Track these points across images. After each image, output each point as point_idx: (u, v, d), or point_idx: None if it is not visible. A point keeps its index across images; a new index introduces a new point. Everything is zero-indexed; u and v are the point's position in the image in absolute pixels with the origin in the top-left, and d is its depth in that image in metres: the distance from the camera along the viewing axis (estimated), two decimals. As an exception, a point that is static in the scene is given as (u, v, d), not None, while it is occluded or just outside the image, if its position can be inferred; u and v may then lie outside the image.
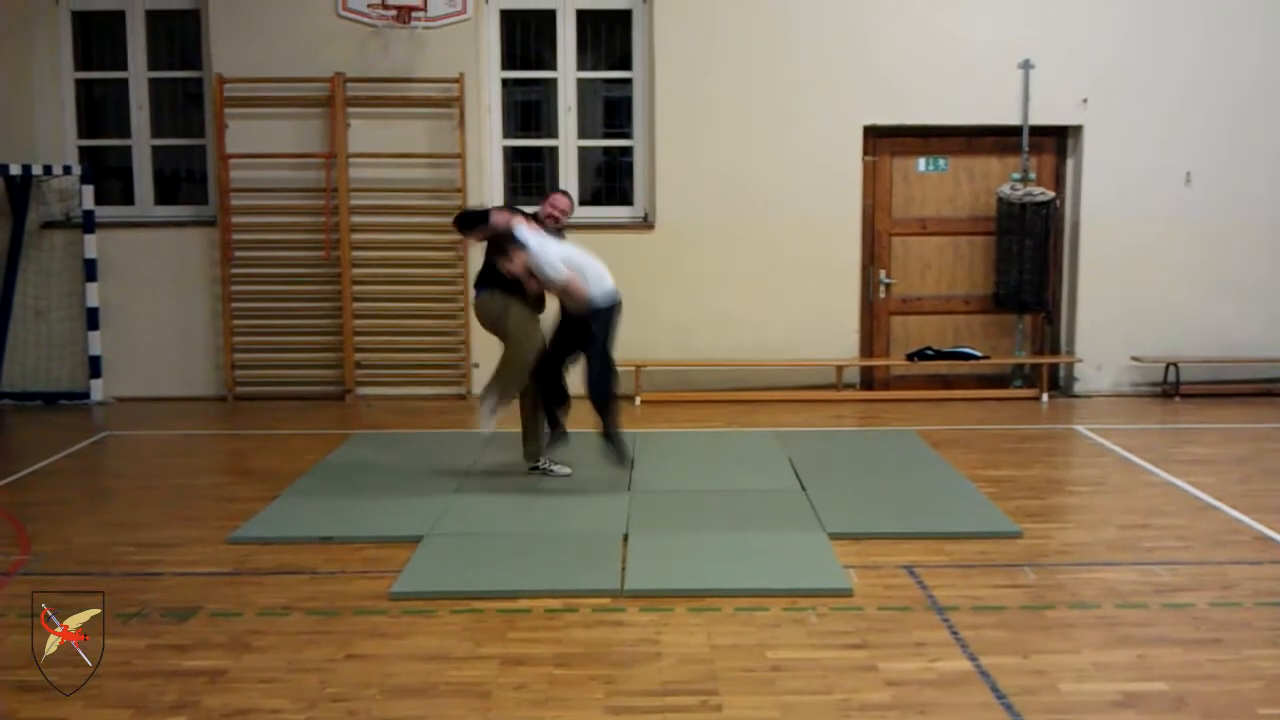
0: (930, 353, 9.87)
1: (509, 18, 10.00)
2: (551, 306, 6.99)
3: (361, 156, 9.68)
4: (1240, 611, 4.91)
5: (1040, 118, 9.73)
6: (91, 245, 9.63)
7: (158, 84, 10.14)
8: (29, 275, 9.84)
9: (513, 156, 10.28)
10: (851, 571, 5.37)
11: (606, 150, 10.40)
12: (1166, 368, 9.83)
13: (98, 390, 9.78)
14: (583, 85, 10.09)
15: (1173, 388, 9.79)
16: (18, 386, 9.80)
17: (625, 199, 10.15)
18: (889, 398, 9.85)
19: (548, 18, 9.94)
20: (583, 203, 10.09)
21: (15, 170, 9.34)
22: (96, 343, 9.76)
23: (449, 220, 8.86)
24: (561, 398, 7.06)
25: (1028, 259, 9.71)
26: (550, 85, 10.07)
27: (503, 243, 6.72)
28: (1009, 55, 9.63)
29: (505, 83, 10.08)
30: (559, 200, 7.15)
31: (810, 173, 9.70)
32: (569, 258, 6.67)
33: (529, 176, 10.42)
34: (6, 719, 4.00)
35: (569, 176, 10.04)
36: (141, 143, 10.08)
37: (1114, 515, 6.39)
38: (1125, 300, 9.84)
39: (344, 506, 6.47)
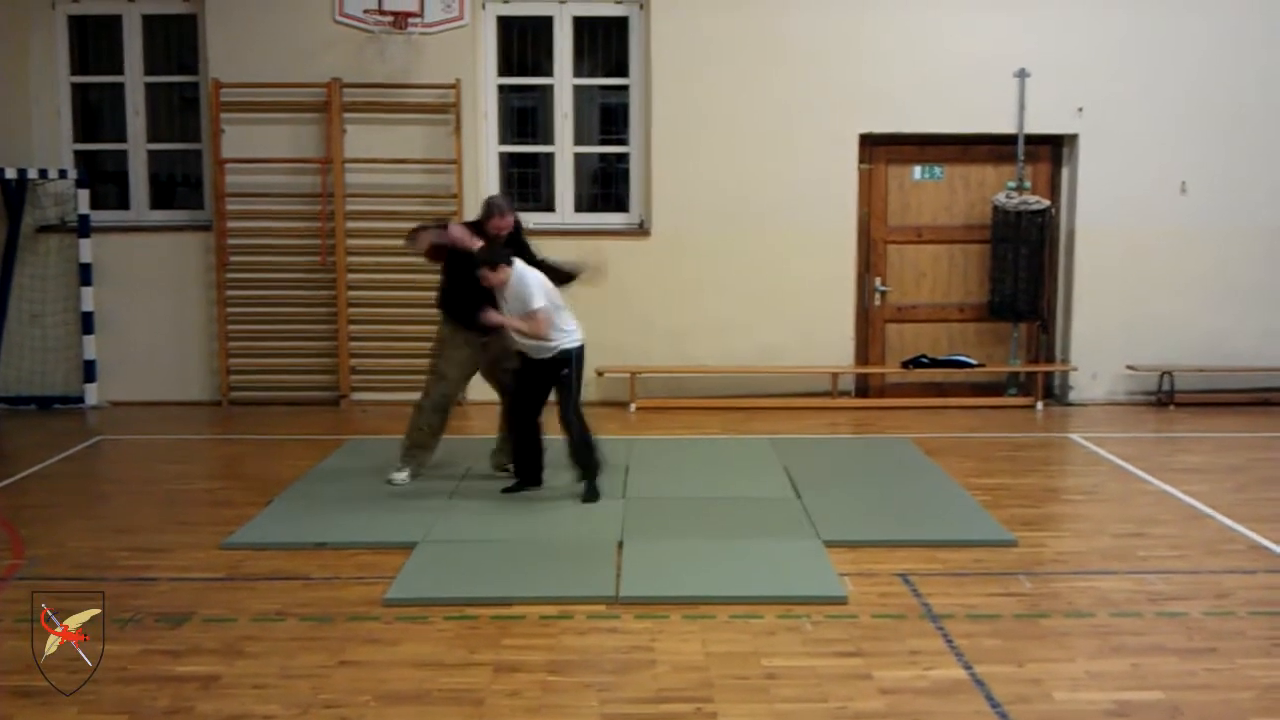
0: (925, 360, 9.88)
1: (506, 24, 10.01)
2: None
3: (357, 162, 9.68)
4: (1234, 620, 4.91)
5: (1035, 126, 9.75)
6: (87, 249, 9.62)
7: (154, 88, 10.14)
8: (24, 279, 9.83)
9: (509, 162, 10.28)
10: (846, 579, 5.37)
11: (603, 156, 10.40)
12: (1161, 376, 9.85)
13: (92, 395, 9.77)
14: (579, 92, 10.10)
15: (1167, 396, 9.80)
16: (12, 390, 9.78)
17: (621, 205, 10.16)
18: (884, 405, 9.86)
19: (544, 24, 9.95)
20: (578, 209, 10.13)
21: (11, 174, 9.34)
22: (91, 347, 9.75)
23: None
24: (538, 451, 6.82)
25: (1023, 267, 9.72)
26: (547, 91, 10.08)
27: (460, 262, 6.56)
28: (1004, 64, 9.66)
29: (502, 89, 10.08)
30: (499, 222, 6.75)
31: (806, 180, 9.71)
32: (550, 293, 6.45)
33: (525, 183, 10.43)
34: (-1, 724, 4.00)
35: (565, 183, 10.05)
36: (137, 147, 10.07)
37: (1108, 524, 6.39)
38: (1120, 309, 9.86)
39: (338, 512, 6.46)
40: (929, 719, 4.01)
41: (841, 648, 4.61)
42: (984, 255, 9.92)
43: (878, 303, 10.06)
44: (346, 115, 9.65)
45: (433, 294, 9.88)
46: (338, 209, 9.65)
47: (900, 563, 5.64)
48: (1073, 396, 10.02)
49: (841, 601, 5.09)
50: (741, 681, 4.30)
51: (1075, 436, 8.68)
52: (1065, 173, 10.00)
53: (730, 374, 9.84)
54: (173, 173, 10.45)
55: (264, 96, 9.64)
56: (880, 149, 9.92)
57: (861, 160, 9.85)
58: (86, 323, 9.71)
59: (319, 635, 4.76)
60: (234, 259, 9.74)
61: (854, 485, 7.11)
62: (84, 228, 9.59)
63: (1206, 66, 9.66)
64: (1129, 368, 9.87)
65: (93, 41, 10.20)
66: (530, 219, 9.99)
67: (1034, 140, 9.86)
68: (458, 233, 6.65)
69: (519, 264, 6.44)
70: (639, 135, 9.96)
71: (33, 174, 9.46)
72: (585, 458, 6.68)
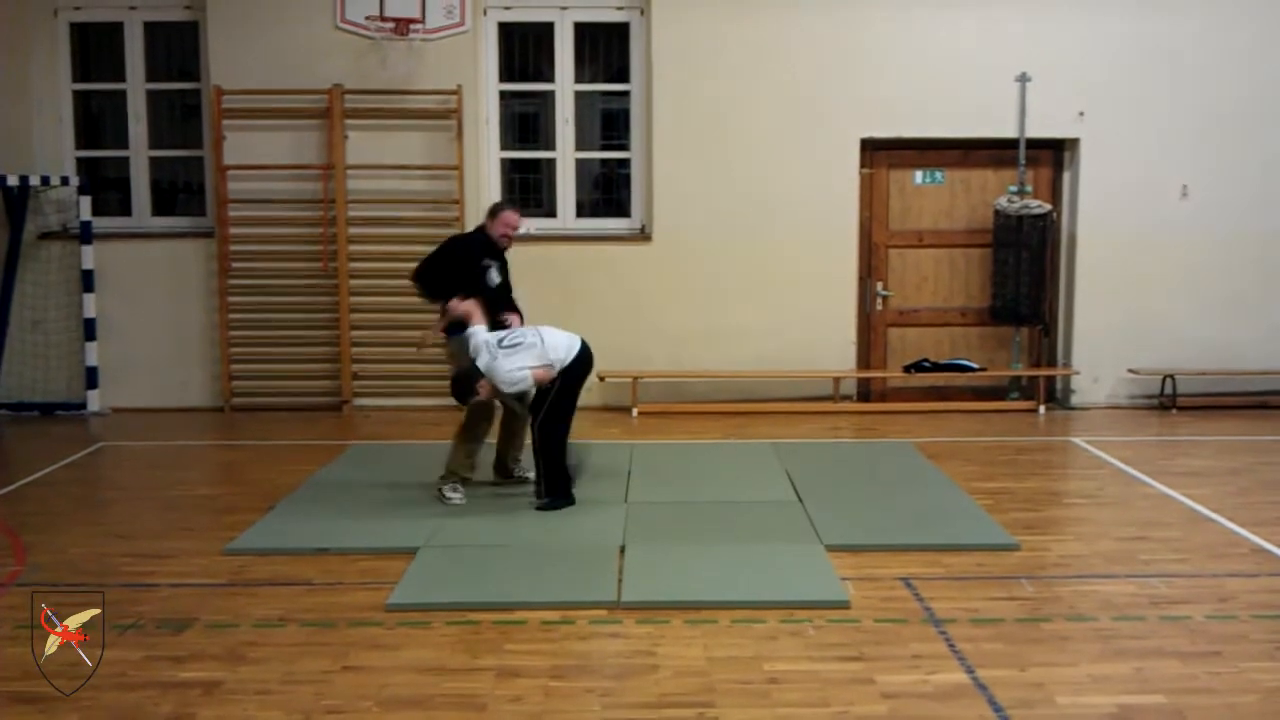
0: (927, 365, 9.88)
1: (507, 30, 10.02)
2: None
3: (359, 168, 9.70)
4: (1237, 624, 4.91)
5: (1037, 131, 9.75)
6: (89, 256, 9.63)
7: (156, 95, 10.16)
8: (26, 286, 9.84)
9: (510, 168, 10.30)
10: (848, 584, 5.36)
11: (604, 162, 10.42)
12: (1163, 380, 9.84)
13: (94, 401, 9.77)
14: (580, 97, 10.11)
15: (1169, 400, 9.80)
16: (14, 397, 9.79)
17: (623, 211, 10.17)
18: (886, 410, 9.86)
19: (545, 30, 9.97)
20: (580, 215, 10.13)
21: (13, 181, 9.35)
22: (93, 353, 9.76)
23: (446, 231, 8.89)
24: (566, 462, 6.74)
25: (1024, 271, 9.72)
26: (548, 97, 10.09)
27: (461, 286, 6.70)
28: (1006, 69, 9.66)
29: (503, 95, 10.10)
30: (511, 217, 6.94)
31: (807, 185, 9.71)
32: (523, 353, 6.29)
33: (526, 188, 10.44)
34: (1, 730, 4.00)
35: (566, 188, 10.06)
36: (139, 154, 10.09)
37: (1111, 527, 6.39)
38: (1122, 313, 9.85)
39: (340, 518, 6.46)
40: (931, 723, 4.01)
41: (844, 652, 4.60)
42: (985, 259, 9.93)
43: (879, 307, 10.06)
44: (348, 121, 9.67)
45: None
46: (339, 215, 9.66)
47: (902, 567, 5.64)
48: (1074, 400, 10.01)
49: (844, 606, 5.09)
50: (743, 686, 4.29)
51: (1077, 440, 8.67)
52: (1066, 177, 10.00)
53: (732, 378, 9.84)
54: (174, 179, 10.48)
55: (266, 103, 9.65)
56: (881, 153, 9.93)
57: (863, 165, 9.86)
58: (88, 329, 9.72)
59: (321, 640, 4.76)
60: (236, 265, 9.75)
61: (856, 489, 7.10)
62: (86, 234, 9.60)
63: (1207, 70, 9.66)
64: (1131, 371, 9.87)
65: (94, 49, 10.23)
66: (532, 224, 10.03)
67: (1035, 144, 9.86)
68: (458, 308, 6.59)
69: (483, 361, 6.28)
70: (640, 140, 9.97)
71: (35, 181, 9.48)
72: (550, 475, 6.57)
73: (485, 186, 9.94)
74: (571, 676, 4.41)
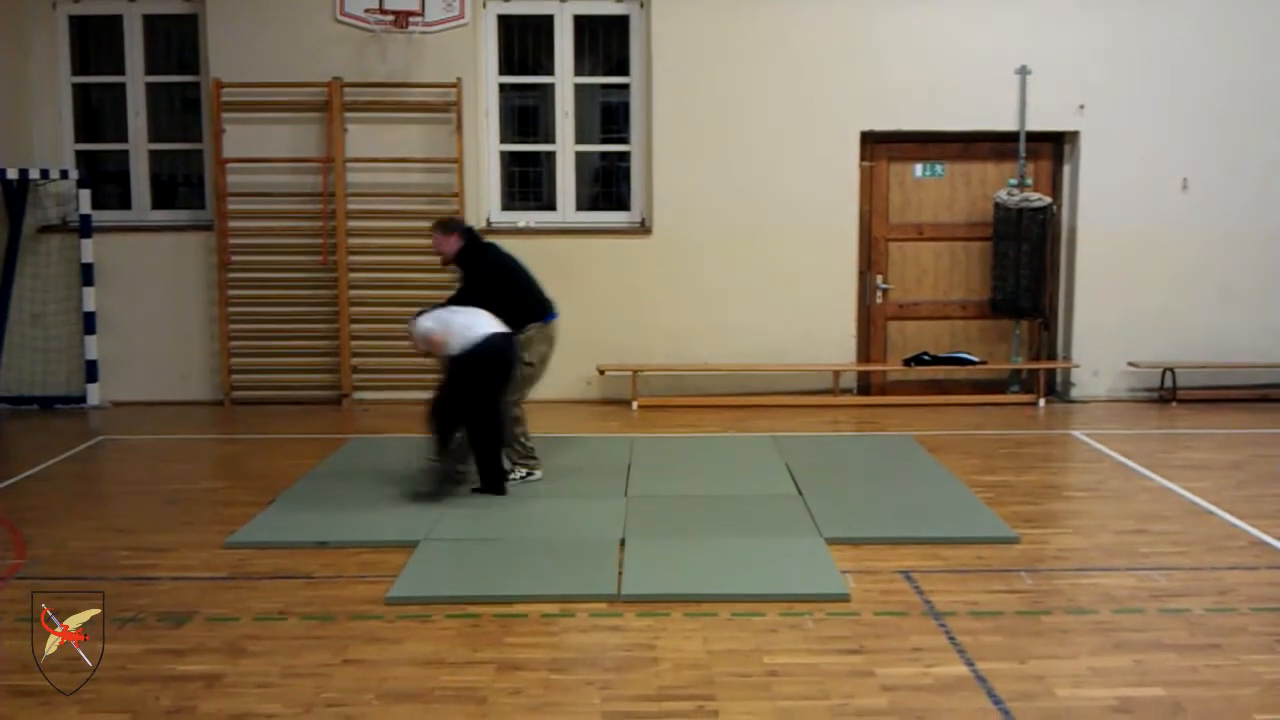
0: (927, 358, 9.88)
1: (506, 23, 10.00)
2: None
3: (359, 161, 9.69)
4: (1237, 617, 4.91)
5: (1037, 124, 9.74)
6: (88, 250, 9.63)
7: (155, 88, 10.14)
8: (26, 279, 9.83)
9: (510, 161, 10.28)
10: (848, 576, 5.37)
11: (604, 155, 10.41)
12: (1163, 373, 9.84)
13: (94, 395, 9.77)
14: (580, 90, 10.09)
15: (1169, 393, 9.80)
16: (14, 391, 9.79)
17: (623, 204, 10.15)
18: (886, 403, 9.86)
19: (545, 23, 9.95)
20: (580, 208, 10.13)
21: (12, 174, 9.33)
22: (93, 347, 9.76)
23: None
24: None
25: (1024, 264, 9.72)
26: (548, 90, 10.07)
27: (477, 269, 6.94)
28: (1006, 61, 9.65)
29: (503, 88, 10.08)
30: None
31: (808, 178, 9.70)
32: (442, 314, 6.71)
33: (526, 181, 10.43)
34: (2, 724, 4.00)
35: (566, 181, 10.05)
36: (138, 147, 10.08)
37: (1111, 520, 6.39)
38: (1122, 306, 9.85)
39: (340, 511, 6.47)
40: (931, 716, 4.01)
41: (843, 645, 4.61)
42: (985, 252, 9.92)
43: (879, 300, 10.06)
44: (348, 114, 9.65)
45: (433, 293, 9.93)
46: (339, 208, 9.65)
47: (902, 560, 5.64)
48: (1074, 393, 10.01)
49: (843, 599, 5.09)
50: (743, 679, 4.30)
51: (1077, 433, 8.68)
52: (1067, 170, 9.99)
53: (732, 372, 9.84)
54: (174, 173, 10.46)
55: (265, 96, 9.64)
56: (881, 146, 9.91)
57: (863, 158, 9.85)
58: (88, 323, 9.72)
59: (321, 634, 4.77)
60: (235, 259, 9.74)
61: (856, 482, 7.11)
62: (85, 228, 9.60)
63: (1208, 63, 9.64)
64: (1130, 364, 9.87)
65: (94, 41, 10.21)
66: (531, 218, 10.04)
67: (1035, 137, 9.85)
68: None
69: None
70: (640, 133, 9.96)
71: (34, 174, 9.46)
72: (483, 461, 6.73)
73: (485, 179, 9.93)
74: (571, 669, 4.42)
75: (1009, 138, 9.81)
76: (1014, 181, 9.82)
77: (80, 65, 10.09)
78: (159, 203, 10.23)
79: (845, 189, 9.80)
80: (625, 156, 10.13)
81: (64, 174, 9.64)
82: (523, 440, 7.04)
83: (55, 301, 9.88)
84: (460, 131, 9.63)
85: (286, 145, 9.69)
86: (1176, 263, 9.83)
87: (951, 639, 4.66)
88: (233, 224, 9.73)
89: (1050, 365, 10.03)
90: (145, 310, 9.86)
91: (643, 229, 9.92)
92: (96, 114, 10.37)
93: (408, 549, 5.77)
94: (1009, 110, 9.72)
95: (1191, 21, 9.62)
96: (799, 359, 9.84)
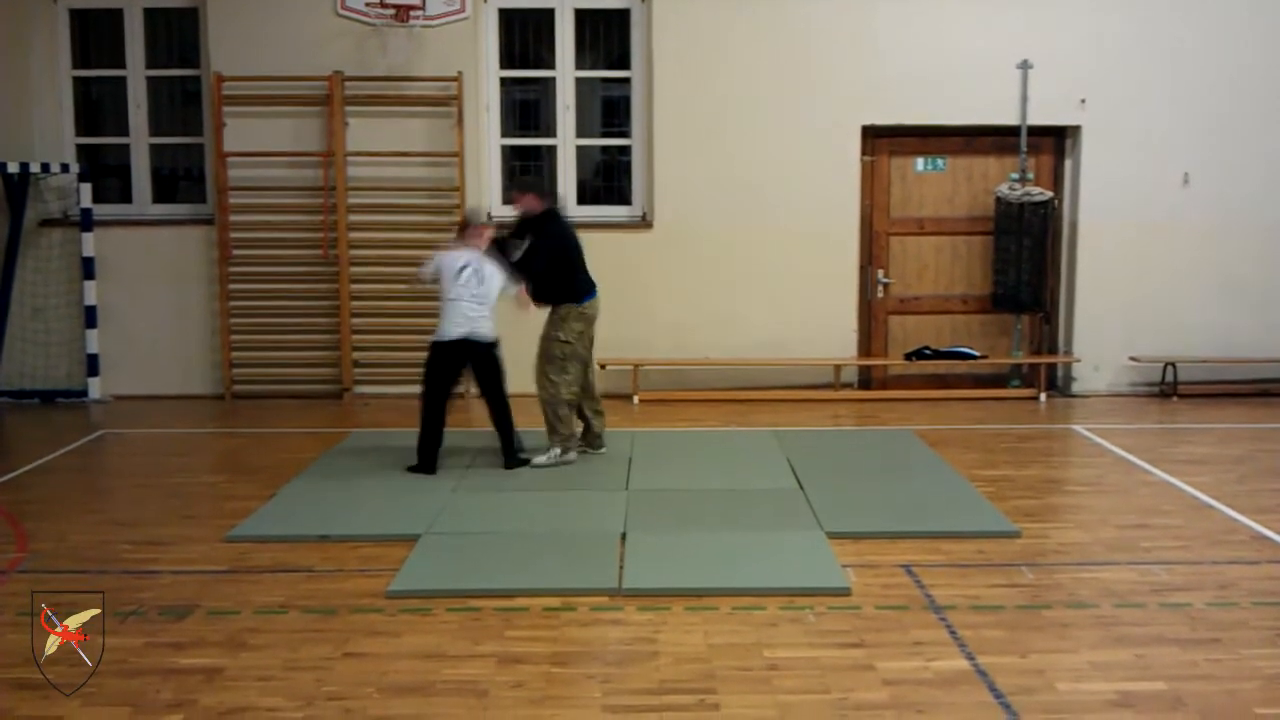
0: (928, 352, 9.87)
1: (507, 16, 9.99)
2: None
3: (359, 155, 9.68)
4: (1237, 611, 4.91)
5: (1038, 118, 9.73)
6: (89, 243, 9.62)
7: (156, 82, 10.13)
8: (27, 273, 9.83)
9: (511, 155, 10.28)
10: (849, 571, 5.37)
11: (605, 149, 10.40)
12: (1164, 368, 9.84)
13: (95, 388, 9.77)
14: (581, 84, 10.08)
15: (1170, 388, 9.80)
16: (15, 384, 9.79)
17: (624, 198, 10.15)
18: (887, 397, 9.85)
19: (546, 16, 9.93)
20: (581, 202, 10.11)
21: (13, 168, 9.32)
22: (94, 341, 9.76)
23: (446, 219, 8.91)
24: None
25: (1026, 259, 9.71)
26: (549, 84, 10.06)
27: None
28: (1007, 56, 9.63)
29: (504, 81, 10.07)
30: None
31: (809, 172, 9.69)
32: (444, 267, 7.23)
33: (527, 175, 10.40)
34: (4, 717, 4.00)
35: (567, 175, 10.04)
36: (139, 141, 10.07)
37: (1111, 515, 6.39)
38: (1123, 300, 9.84)
39: (341, 505, 6.47)
40: (932, 710, 4.01)
41: (844, 639, 4.61)
42: (987, 247, 9.91)
43: (880, 295, 10.06)
44: (348, 108, 9.64)
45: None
46: (340, 202, 9.65)
47: (903, 554, 5.64)
48: (1075, 388, 10.01)
49: (844, 593, 5.10)
50: (744, 673, 4.30)
51: (1078, 428, 8.68)
52: (1068, 164, 9.98)
53: (733, 366, 9.84)
54: (175, 167, 10.46)
55: (266, 90, 9.63)
56: (883, 141, 9.90)
57: (864, 152, 9.84)
58: (89, 316, 9.72)
59: (323, 627, 4.77)
60: (236, 252, 9.74)
61: (857, 477, 7.11)
62: (86, 222, 9.59)
63: (1209, 58, 9.63)
64: (1131, 359, 9.86)
65: (94, 35, 10.20)
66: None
67: (1037, 132, 9.84)
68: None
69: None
70: (641, 128, 9.95)
71: (35, 168, 9.45)
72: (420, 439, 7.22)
73: (486, 173, 9.93)
74: (572, 663, 4.42)
75: (1010, 132, 9.79)
76: (1015, 176, 9.81)
77: (81, 59, 10.08)
78: (160, 197, 10.22)
79: (847, 183, 9.79)
80: (626, 150, 10.12)
81: (65, 168, 9.63)
82: (564, 419, 7.25)
83: (56, 295, 9.88)
84: (461, 125, 9.62)
85: (287, 139, 9.69)
86: (1177, 257, 9.82)
87: (952, 633, 4.66)
88: (234, 218, 9.72)
89: (1051, 360, 10.03)
90: (146, 304, 9.86)
91: (644, 223, 9.91)
92: (97, 108, 10.36)
93: (409, 542, 5.78)
94: (1010, 104, 9.70)
95: (1193, 16, 9.60)
96: (800, 353, 9.83)
